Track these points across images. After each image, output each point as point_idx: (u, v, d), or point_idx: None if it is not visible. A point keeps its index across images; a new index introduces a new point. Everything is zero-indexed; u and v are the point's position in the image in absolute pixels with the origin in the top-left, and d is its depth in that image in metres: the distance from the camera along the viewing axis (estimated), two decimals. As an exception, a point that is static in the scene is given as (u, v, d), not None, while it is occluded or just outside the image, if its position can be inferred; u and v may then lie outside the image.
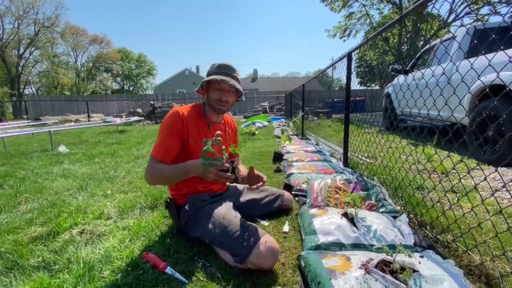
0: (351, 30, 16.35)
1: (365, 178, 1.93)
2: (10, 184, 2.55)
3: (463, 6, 12.09)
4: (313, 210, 1.51)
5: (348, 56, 2.59)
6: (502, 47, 1.05)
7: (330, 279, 0.89)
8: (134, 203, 1.92)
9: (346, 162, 2.77)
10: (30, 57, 29.25)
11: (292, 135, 5.83)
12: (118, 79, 41.18)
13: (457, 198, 1.66)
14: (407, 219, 1.38)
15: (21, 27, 27.05)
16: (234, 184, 1.69)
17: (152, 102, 14.50)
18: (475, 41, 1.36)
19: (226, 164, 1.22)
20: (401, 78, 4.52)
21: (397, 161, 1.83)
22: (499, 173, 1.07)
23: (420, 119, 3.82)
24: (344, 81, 2.69)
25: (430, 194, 1.63)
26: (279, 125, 8.51)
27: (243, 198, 1.65)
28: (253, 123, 7.93)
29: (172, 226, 1.53)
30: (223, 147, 1.22)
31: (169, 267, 1.13)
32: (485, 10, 11.90)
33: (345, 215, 1.38)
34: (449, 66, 2.85)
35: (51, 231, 1.53)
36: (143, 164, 3.26)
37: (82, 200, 2.05)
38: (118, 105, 18.20)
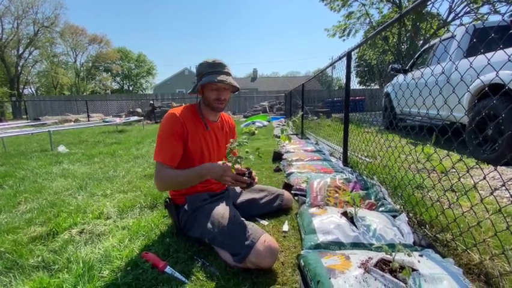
0: (351, 29, 16.33)
1: (364, 177, 1.93)
2: (10, 184, 2.55)
3: (462, 5, 12.10)
4: (312, 210, 1.51)
5: (348, 55, 2.59)
6: (501, 46, 1.05)
7: (330, 278, 0.89)
8: (133, 202, 1.92)
9: (345, 162, 2.77)
10: (30, 57, 29.23)
11: (291, 134, 5.84)
12: (118, 79, 41.11)
13: (456, 197, 1.66)
14: (407, 218, 1.39)
15: (20, 27, 27.03)
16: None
17: (151, 102, 14.48)
18: (474, 40, 1.36)
19: (243, 168, 1.24)
20: (400, 77, 4.52)
21: (396, 160, 1.83)
22: (498, 171, 1.07)
23: (420, 118, 3.82)
24: (344, 80, 2.69)
25: (429, 193, 1.63)
26: (279, 124, 8.50)
27: (242, 198, 1.65)
28: (253, 123, 7.92)
29: (171, 226, 1.53)
30: (232, 145, 1.22)
31: (168, 267, 1.13)
32: (484, 9, 11.92)
33: (344, 214, 1.38)
34: (449, 65, 2.85)
35: (50, 231, 1.53)
36: (143, 164, 3.26)
37: (81, 200, 2.05)
38: (118, 105, 18.16)
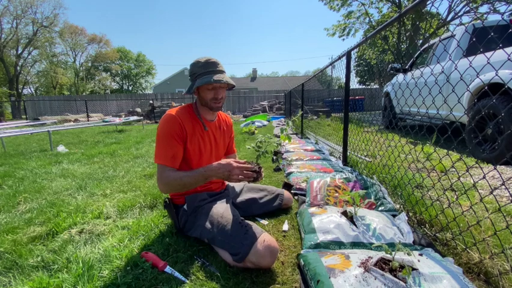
0: (350, 29, 16.33)
1: (364, 177, 1.93)
2: (9, 184, 2.54)
3: (462, 5, 12.10)
4: (312, 209, 1.51)
5: (347, 54, 2.59)
6: (500, 45, 1.05)
7: (330, 277, 0.89)
8: (133, 202, 1.92)
9: (345, 161, 2.77)
10: (29, 57, 29.16)
11: (291, 134, 5.84)
12: (117, 79, 41.05)
13: (456, 197, 1.66)
14: (406, 218, 1.38)
15: (19, 26, 26.95)
16: (233, 184, 1.69)
17: (151, 101, 14.47)
18: (474, 39, 1.36)
19: (250, 165, 1.23)
20: (400, 77, 4.52)
21: (396, 159, 1.83)
22: (498, 171, 1.07)
23: (420, 117, 3.82)
24: (343, 80, 2.69)
25: (429, 193, 1.63)
26: (279, 124, 8.51)
27: (242, 197, 1.65)
28: (253, 123, 7.92)
29: (171, 225, 1.53)
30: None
31: (168, 266, 1.13)
32: (484, 9, 11.92)
33: (344, 213, 1.38)
34: (448, 65, 2.85)
35: (50, 230, 1.53)
36: (143, 164, 3.26)
37: (81, 200, 2.05)
38: (117, 104, 18.14)
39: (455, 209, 1.49)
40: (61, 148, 4.60)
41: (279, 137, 5.04)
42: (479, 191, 1.82)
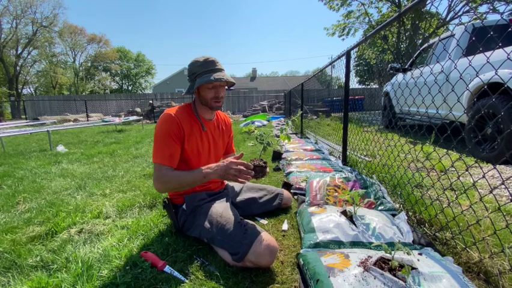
0: (350, 28, 16.33)
1: (363, 176, 1.93)
2: (8, 184, 2.54)
3: (461, 4, 12.10)
4: (312, 209, 1.51)
5: (347, 54, 2.59)
6: (500, 45, 1.05)
7: (329, 276, 0.89)
8: (133, 202, 1.91)
9: (345, 161, 2.77)
10: (29, 56, 29.15)
11: (291, 134, 5.84)
12: (117, 78, 41.01)
13: (455, 196, 1.66)
14: (406, 217, 1.38)
15: (19, 26, 26.94)
16: (232, 183, 1.69)
17: (151, 101, 14.46)
18: (473, 39, 1.36)
19: (249, 164, 1.23)
20: (399, 76, 4.52)
21: (396, 159, 1.83)
22: (497, 170, 1.07)
23: (419, 117, 3.82)
24: (343, 79, 2.69)
25: (429, 192, 1.63)
26: (278, 124, 8.50)
27: (241, 197, 1.65)
28: (252, 122, 7.92)
29: (170, 225, 1.53)
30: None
31: (167, 266, 1.13)
32: (483, 8, 11.92)
33: (344, 213, 1.38)
34: (448, 64, 2.85)
35: (49, 230, 1.53)
36: (142, 163, 3.26)
37: (80, 200, 2.04)
38: (117, 104, 18.11)
39: (455, 209, 1.49)
40: (61, 148, 4.59)
41: (278, 137, 5.04)
42: (479, 190, 1.82)
